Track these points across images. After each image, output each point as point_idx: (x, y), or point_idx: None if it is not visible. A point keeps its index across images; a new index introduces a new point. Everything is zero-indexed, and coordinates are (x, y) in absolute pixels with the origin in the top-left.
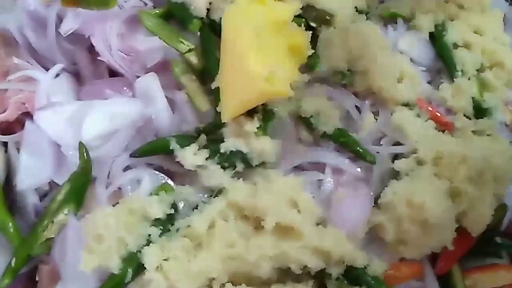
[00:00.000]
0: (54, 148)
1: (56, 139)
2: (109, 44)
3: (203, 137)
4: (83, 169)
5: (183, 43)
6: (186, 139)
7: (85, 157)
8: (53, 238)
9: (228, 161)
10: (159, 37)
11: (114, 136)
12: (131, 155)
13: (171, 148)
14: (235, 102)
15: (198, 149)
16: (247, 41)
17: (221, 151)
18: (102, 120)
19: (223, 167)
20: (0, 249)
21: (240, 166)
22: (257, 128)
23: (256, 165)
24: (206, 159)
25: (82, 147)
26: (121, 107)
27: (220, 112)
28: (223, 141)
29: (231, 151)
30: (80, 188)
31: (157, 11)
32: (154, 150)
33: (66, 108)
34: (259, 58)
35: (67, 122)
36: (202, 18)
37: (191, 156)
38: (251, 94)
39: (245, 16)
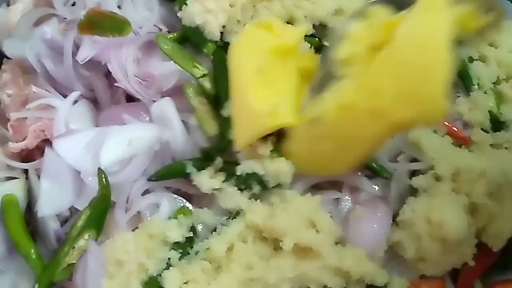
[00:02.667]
0: (74, 174)
1: (76, 166)
2: (126, 70)
3: (219, 160)
4: (102, 195)
5: (197, 67)
6: (202, 163)
7: (104, 183)
8: (74, 263)
9: (245, 183)
10: (174, 61)
11: (132, 161)
12: (149, 179)
13: (187, 171)
14: (245, 133)
15: (215, 172)
16: (249, 77)
17: (237, 173)
18: (120, 146)
19: (240, 189)
20: (23, 275)
21: (256, 188)
22: (271, 150)
23: (272, 187)
24: (223, 181)
25: (101, 173)
26: (138, 132)
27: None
28: (239, 164)
29: (247, 174)
30: (99, 213)
31: (172, 36)
32: (171, 174)
33: (84, 134)
34: (261, 93)
35: (86, 148)
36: (216, 41)
37: (207, 180)
38: (256, 129)
39: (250, 48)
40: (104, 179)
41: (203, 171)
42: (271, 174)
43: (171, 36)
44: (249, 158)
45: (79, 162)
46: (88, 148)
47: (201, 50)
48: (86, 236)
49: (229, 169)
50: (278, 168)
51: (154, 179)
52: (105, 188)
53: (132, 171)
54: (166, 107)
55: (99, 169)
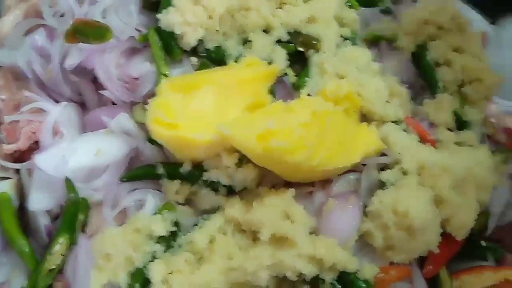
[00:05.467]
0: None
1: (57, 176)
2: (109, 74)
3: (187, 165)
4: (71, 202)
5: (167, 66)
6: (172, 166)
7: (72, 191)
8: (54, 269)
9: (211, 187)
10: (155, 54)
11: (109, 168)
12: (120, 180)
13: (158, 173)
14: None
15: (182, 182)
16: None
17: (204, 179)
18: (88, 156)
19: (215, 189)
20: (17, 269)
21: (223, 191)
22: (238, 159)
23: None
24: (192, 185)
25: (68, 182)
26: (105, 142)
27: None
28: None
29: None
30: (71, 219)
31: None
32: (142, 175)
33: (58, 147)
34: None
35: (62, 159)
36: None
37: (172, 192)
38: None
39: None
40: (71, 188)
41: (172, 181)
42: (237, 182)
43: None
44: (215, 168)
45: (58, 172)
46: (63, 159)
47: (170, 53)
48: (60, 241)
49: (197, 174)
50: (244, 175)
51: (124, 180)
52: (73, 196)
53: (111, 176)
54: (124, 122)
55: (66, 178)
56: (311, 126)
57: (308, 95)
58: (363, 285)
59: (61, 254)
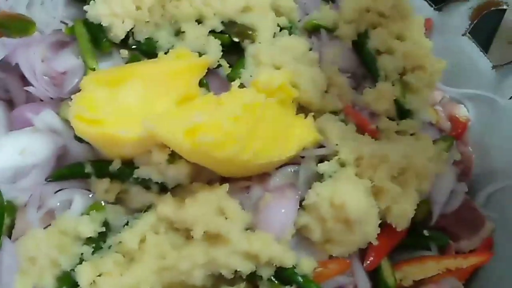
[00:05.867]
0: None
1: None
2: (34, 69)
3: (117, 162)
4: None
5: (94, 60)
6: (100, 164)
7: None
8: None
9: (143, 184)
10: (82, 46)
11: (35, 168)
12: (46, 179)
13: (86, 171)
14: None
15: (111, 180)
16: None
17: (134, 176)
18: (12, 155)
19: (146, 187)
20: None
21: (155, 189)
22: (170, 154)
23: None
24: (123, 183)
25: None
26: (30, 141)
27: None
28: (137, 167)
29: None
30: None
31: None
32: (70, 174)
33: None
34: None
35: None
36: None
37: (102, 191)
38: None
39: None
40: None
41: (101, 179)
42: (169, 178)
43: None
44: (146, 164)
45: None
46: None
47: (98, 46)
48: None
49: (127, 171)
50: (176, 171)
51: (51, 179)
52: None
53: (35, 177)
54: (49, 119)
55: None
56: (241, 119)
57: (243, 86)
58: (301, 280)
59: None
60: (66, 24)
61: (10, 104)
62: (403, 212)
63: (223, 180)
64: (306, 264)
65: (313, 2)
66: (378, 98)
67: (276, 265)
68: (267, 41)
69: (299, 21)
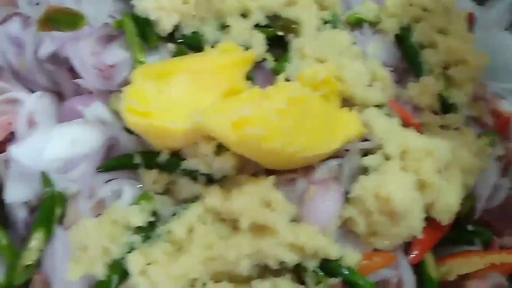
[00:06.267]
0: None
1: (32, 168)
2: (84, 62)
3: (165, 154)
4: (47, 196)
5: (142, 53)
6: (149, 156)
7: (48, 185)
8: (31, 264)
9: (190, 175)
10: (130, 41)
11: (85, 158)
12: (97, 170)
13: (135, 162)
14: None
15: (159, 171)
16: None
17: (182, 168)
18: (63, 146)
19: (193, 178)
20: None
21: (202, 180)
22: (217, 146)
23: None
24: (170, 174)
25: (44, 176)
26: (80, 132)
27: None
28: (184, 159)
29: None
30: (47, 213)
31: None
32: (119, 165)
33: (33, 138)
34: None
35: (36, 151)
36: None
37: (150, 182)
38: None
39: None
40: (47, 182)
41: (149, 170)
42: (216, 170)
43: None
44: (193, 156)
45: (34, 163)
46: (38, 150)
47: (145, 40)
48: (36, 236)
49: (175, 163)
50: (223, 163)
51: (101, 170)
52: (49, 189)
53: (85, 168)
54: (99, 111)
55: (42, 172)
56: (287, 112)
57: (288, 80)
58: (346, 272)
59: (37, 250)
60: (114, 18)
61: (59, 97)
62: (448, 207)
63: (268, 172)
64: (351, 257)
65: None
66: (422, 92)
67: (321, 257)
68: (311, 35)
69: (342, 15)
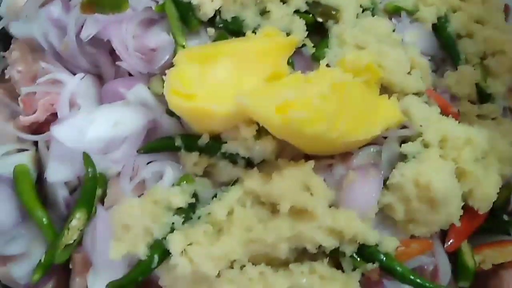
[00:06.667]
0: None
1: (74, 148)
2: (126, 45)
3: (205, 137)
4: (89, 176)
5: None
6: (190, 138)
7: (90, 166)
8: (71, 243)
9: (230, 159)
10: (172, 25)
11: (126, 140)
12: (138, 151)
13: (176, 144)
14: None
15: (200, 154)
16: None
17: (222, 151)
18: (105, 127)
19: (233, 162)
20: (36, 241)
21: (242, 163)
22: (257, 130)
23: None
24: (211, 157)
25: (85, 156)
26: (123, 113)
27: None
28: (225, 142)
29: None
30: (89, 193)
31: None
32: (161, 147)
33: (76, 119)
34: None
35: (79, 131)
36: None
37: (191, 164)
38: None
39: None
40: (89, 162)
41: (190, 153)
42: (255, 154)
43: None
44: (233, 139)
45: (76, 144)
46: (81, 131)
47: (187, 24)
48: (77, 216)
49: (215, 146)
50: (263, 147)
51: (142, 151)
52: (91, 170)
53: (127, 149)
54: (142, 93)
55: (84, 153)
56: (329, 98)
57: (327, 66)
58: (384, 258)
59: (78, 229)
60: (157, 2)
61: (100, 79)
62: (486, 195)
63: (306, 158)
64: (389, 243)
65: None
66: (459, 81)
67: (359, 243)
68: (350, 21)
69: (380, 3)
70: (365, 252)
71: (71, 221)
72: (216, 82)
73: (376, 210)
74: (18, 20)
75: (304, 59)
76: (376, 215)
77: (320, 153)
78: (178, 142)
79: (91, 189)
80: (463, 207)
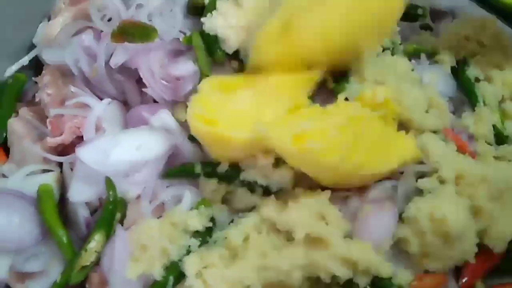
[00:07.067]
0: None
1: (98, 170)
2: (153, 73)
3: (224, 164)
4: (110, 199)
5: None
6: (209, 166)
7: (112, 189)
8: (88, 265)
9: (248, 187)
10: (199, 56)
11: (147, 164)
12: (161, 177)
13: (196, 172)
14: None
15: (219, 182)
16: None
17: (240, 179)
18: (129, 151)
19: (251, 189)
20: (55, 259)
21: (259, 192)
22: (275, 159)
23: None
24: (229, 183)
25: (108, 180)
26: (145, 138)
27: None
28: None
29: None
30: (109, 216)
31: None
32: (181, 173)
33: (100, 141)
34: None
35: (103, 154)
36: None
37: (210, 191)
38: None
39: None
40: (111, 186)
41: (209, 180)
42: (273, 182)
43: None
44: (252, 168)
45: (100, 166)
46: (104, 153)
47: (212, 56)
48: (96, 238)
49: (234, 173)
50: (280, 176)
51: (165, 177)
52: (112, 193)
53: (149, 172)
54: (166, 119)
55: (107, 177)
56: (346, 130)
57: (346, 100)
58: None
59: (95, 251)
60: (184, 33)
61: (125, 105)
62: (501, 234)
63: (322, 188)
64: (403, 276)
65: (412, 28)
66: (477, 122)
67: (373, 274)
68: (370, 59)
69: (400, 44)
70: (379, 285)
71: (89, 242)
72: (237, 111)
73: (390, 243)
74: (51, 47)
75: (325, 93)
76: (391, 248)
77: (336, 185)
78: (197, 169)
79: (111, 212)
80: (478, 245)
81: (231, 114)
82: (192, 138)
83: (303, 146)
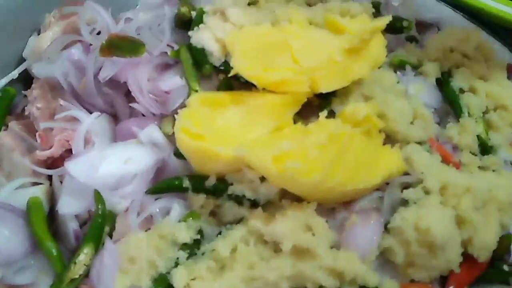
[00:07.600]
0: None
1: (86, 183)
2: (141, 87)
3: (212, 178)
4: (99, 214)
5: (197, 82)
6: (197, 180)
7: (100, 203)
8: (77, 278)
9: (235, 200)
10: (186, 70)
11: (136, 178)
12: (147, 192)
13: (184, 186)
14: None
15: (207, 195)
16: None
17: (229, 193)
18: (117, 164)
19: (239, 202)
20: (44, 272)
21: (247, 204)
22: None
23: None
24: (217, 198)
25: (96, 193)
26: (133, 152)
27: None
28: (231, 184)
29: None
30: (97, 229)
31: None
32: (168, 188)
33: (89, 155)
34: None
35: (91, 167)
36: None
37: (198, 206)
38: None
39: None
40: (99, 199)
41: (197, 195)
42: (261, 195)
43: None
44: (239, 182)
45: (89, 179)
46: (93, 167)
47: (200, 69)
48: (85, 251)
49: (222, 187)
50: (267, 190)
51: (151, 192)
52: (101, 207)
53: (137, 185)
54: (153, 133)
55: (95, 190)
56: (327, 148)
57: (333, 115)
58: None
59: (84, 264)
60: (172, 47)
61: (114, 118)
62: (485, 244)
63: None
64: (389, 286)
65: (398, 40)
66: (462, 133)
67: (359, 284)
68: None
69: (386, 57)
70: None
71: (78, 255)
72: (224, 127)
73: (376, 253)
74: (40, 61)
75: (309, 108)
76: (377, 259)
77: (320, 201)
78: (186, 183)
79: (100, 225)
80: (463, 255)
81: (218, 129)
82: (178, 153)
83: (283, 166)
